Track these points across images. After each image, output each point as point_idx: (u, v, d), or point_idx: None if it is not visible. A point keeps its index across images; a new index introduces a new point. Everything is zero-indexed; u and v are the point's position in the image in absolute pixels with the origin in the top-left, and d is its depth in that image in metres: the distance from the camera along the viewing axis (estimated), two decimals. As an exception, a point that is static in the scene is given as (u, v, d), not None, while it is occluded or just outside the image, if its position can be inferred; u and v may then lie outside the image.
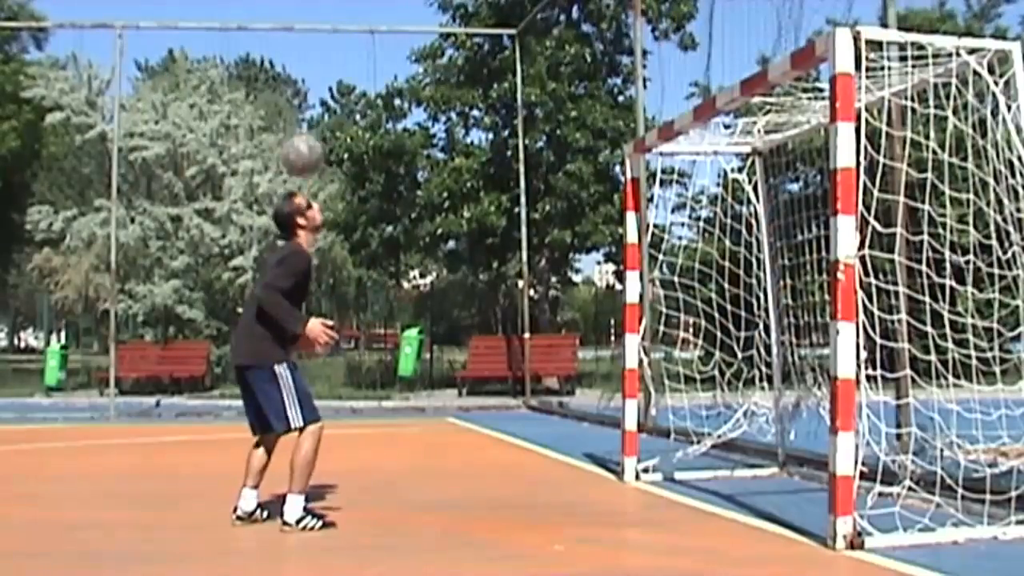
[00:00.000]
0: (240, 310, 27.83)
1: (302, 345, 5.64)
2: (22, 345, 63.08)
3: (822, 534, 5.08)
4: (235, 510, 5.67)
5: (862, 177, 5.26)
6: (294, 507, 5.49)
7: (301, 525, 5.46)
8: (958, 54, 5.57)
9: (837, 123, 5.14)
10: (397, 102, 23.57)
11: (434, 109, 21.75)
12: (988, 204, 5.74)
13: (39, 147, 27.76)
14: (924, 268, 6.04)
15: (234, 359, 5.70)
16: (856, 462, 5.04)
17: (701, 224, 8.66)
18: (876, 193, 5.50)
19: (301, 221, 5.75)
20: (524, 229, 17.94)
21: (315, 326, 5.47)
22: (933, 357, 5.95)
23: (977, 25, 22.52)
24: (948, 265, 5.99)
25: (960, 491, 5.53)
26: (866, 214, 5.39)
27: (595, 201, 20.29)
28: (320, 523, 5.50)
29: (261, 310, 5.47)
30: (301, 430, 5.49)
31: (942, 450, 5.99)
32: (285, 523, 5.46)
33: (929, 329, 5.94)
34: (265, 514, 5.71)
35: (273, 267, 5.62)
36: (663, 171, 7.97)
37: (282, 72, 49.85)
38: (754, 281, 7.87)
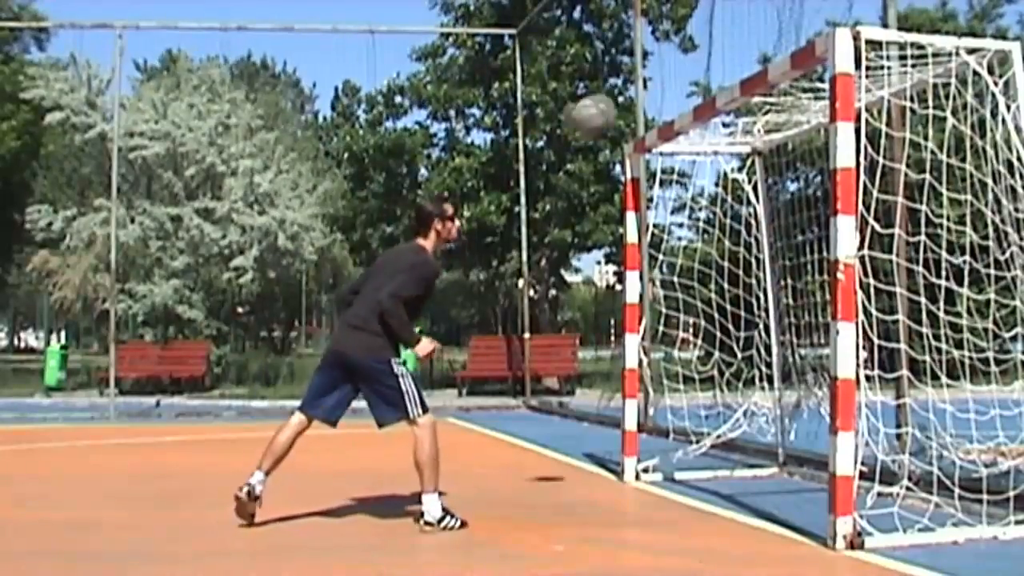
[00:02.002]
0: (240, 309, 27.86)
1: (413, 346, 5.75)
2: (22, 345, 63.10)
3: (822, 534, 5.08)
4: (244, 486, 5.52)
5: (862, 177, 5.26)
6: (434, 506, 5.49)
7: (443, 524, 5.47)
8: (958, 54, 5.57)
9: (837, 123, 5.14)
10: (398, 99, 23.61)
11: (435, 107, 21.76)
12: (987, 204, 5.74)
13: (39, 147, 27.76)
14: (921, 269, 6.04)
15: (346, 349, 5.61)
16: (856, 462, 5.04)
17: (701, 224, 8.66)
18: (876, 193, 5.50)
19: (438, 226, 5.82)
20: (524, 228, 17.94)
21: (425, 347, 5.66)
22: (928, 357, 5.95)
23: (979, 25, 22.50)
24: (947, 265, 5.99)
25: (957, 491, 5.52)
26: (866, 214, 5.39)
27: (595, 201, 20.30)
28: (459, 523, 5.51)
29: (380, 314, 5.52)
30: (413, 421, 5.54)
31: (941, 450, 5.98)
32: (427, 523, 5.46)
33: (925, 330, 5.93)
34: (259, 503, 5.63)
35: (403, 271, 5.60)
36: (663, 171, 7.97)
37: (285, 72, 49.85)
38: (754, 281, 7.87)
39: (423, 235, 5.84)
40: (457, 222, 5.96)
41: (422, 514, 5.52)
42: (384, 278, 5.65)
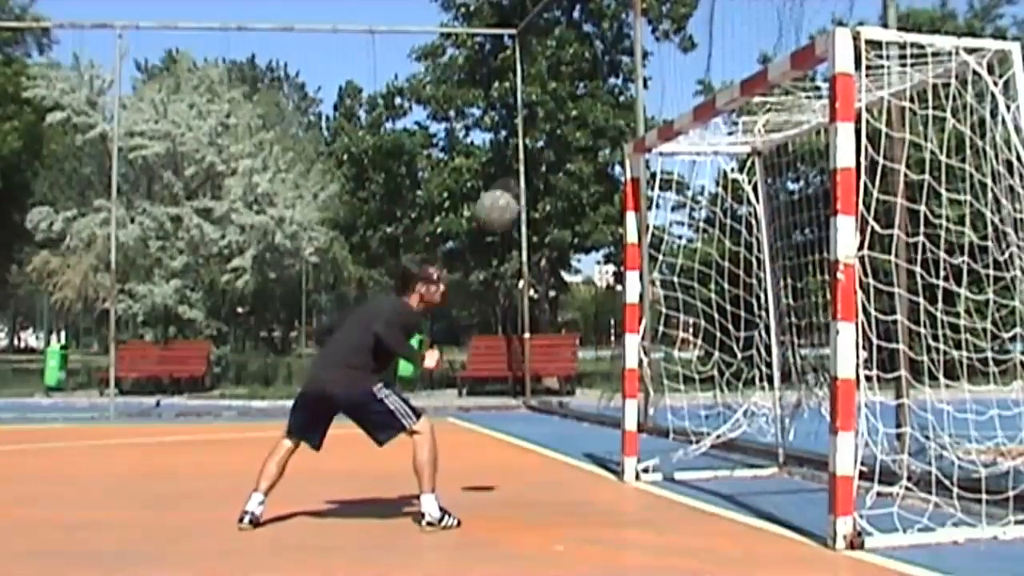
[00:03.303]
0: (240, 309, 27.82)
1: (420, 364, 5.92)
2: (22, 345, 63.08)
3: (822, 534, 5.08)
4: (244, 516, 5.56)
5: (862, 177, 5.26)
6: (433, 506, 5.57)
7: (443, 524, 5.54)
8: (957, 54, 5.57)
9: (837, 123, 5.14)
10: (398, 100, 23.62)
11: (435, 108, 21.76)
12: (986, 205, 5.74)
13: (40, 147, 27.77)
14: (920, 270, 6.04)
15: (327, 388, 5.66)
16: (856, 462, 5.04)
17: (701, 224, 8.67)
18: (876, 194, 5.50)
19: (421, 289, 5.89)
20: (524, 229, 17.94)
21: (431, 361, 5.82)
22: (926, 357, 5.95)
23: (979, 25, 22.49)
24: (948, 266, 5.99)
25: (956, 491, 5.51)
26: (866, 214, 5.39)
27: (595, 201, 20.31)
28: (457, 522, 5.59)
29: (365, 346, 5.58)
30: (411, 431, 5.61)
31: (941, 450, 5.98)
32: (429, 523, 5.53)
33: (925, 331, 5.93)
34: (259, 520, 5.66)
35: (390, 315, 5.68)
36: (663, 171, 7.97)
37: (289, 74, 49.81)
38: (754, 281, 7.87)
39: (406, 294, 5.92)
40: (442, 286, 5.99)
41: (423, 515, 5.55)
42: (365, 321, 5.70)
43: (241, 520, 5.54)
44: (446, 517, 5.56)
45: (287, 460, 5.74)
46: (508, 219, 6.50)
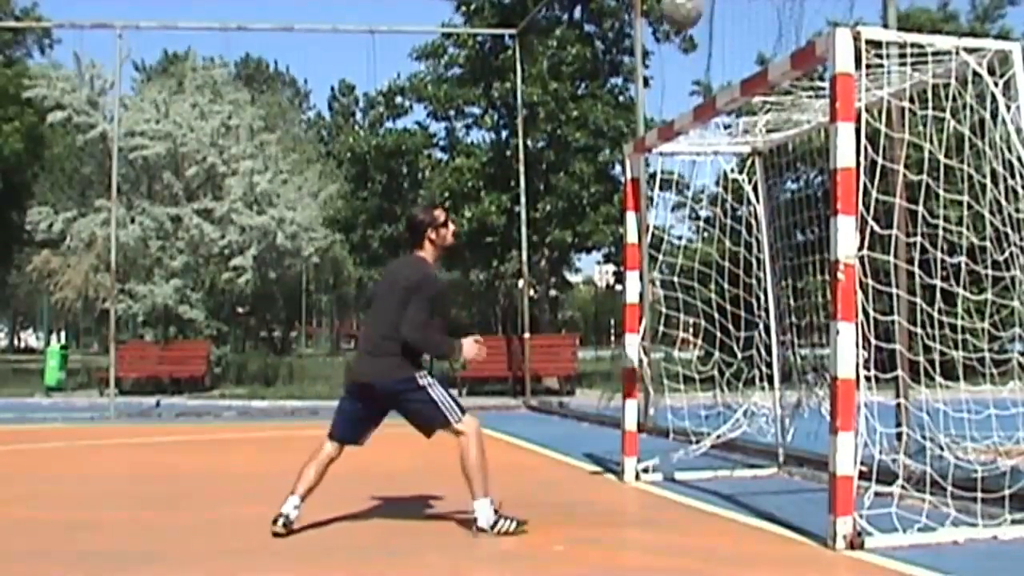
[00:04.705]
0: (240, 309, 27.83)
1: (457, 356, 5.69)
2: (22, 345, 63.12)
3: (822, 534, 5.08)
4: (278, 518, 5.38)
5: (862, 177, 5.26)
6: (486, 512, 5.38)
7: (496, 529, 5.35)
8: (957, 54, 5.57)
9: (837, 123, 5.14)
10: (398, 99, 23.62)
11: (435, 107, 21.77)
12: (986, 205, 5.74)
13: (41, 148, 27.79)
14: (918, 270, 6.04)
15: (367, 378, 5.47)
16: (856, 462, 5.04)
17: (701, 224, 8.66)
18: (875, 194, 5.50)
19: (432, 235, 5.62)
20: (524, 229, 17.94)
21: (470, 348, 5.58)
22: (922, 358, 5.95)
23: (980, 26, 22.46)
24: (947, 266, 5.99)
25: (955, 491, 5.51)
26: (866, 214, 5.39)
27: (595, 201, 20.31)
28: (515, 524, 5.39)
29: (395, 333, 5.35)
30: (455, 429, 5.45)
31: (942, 450, 5.98)
32: (479, 528, 5.35)
33: (924, 331, 5.93)
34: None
35: (408, 295, 5.38)
36: (663, 171, 7.97)
37: (284, 72, 49.91)
38: (754, 281, 7.87)
39: (419, 246, 5.65)
40: (452, 226, 5.75)
41: (475, 520, 5.40)
42: (390, 300, 5.46)
43: (275, 522, 5.38)
44: (501, 521, 5.36)
45: (327, 466, 5.55)
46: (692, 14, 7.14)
